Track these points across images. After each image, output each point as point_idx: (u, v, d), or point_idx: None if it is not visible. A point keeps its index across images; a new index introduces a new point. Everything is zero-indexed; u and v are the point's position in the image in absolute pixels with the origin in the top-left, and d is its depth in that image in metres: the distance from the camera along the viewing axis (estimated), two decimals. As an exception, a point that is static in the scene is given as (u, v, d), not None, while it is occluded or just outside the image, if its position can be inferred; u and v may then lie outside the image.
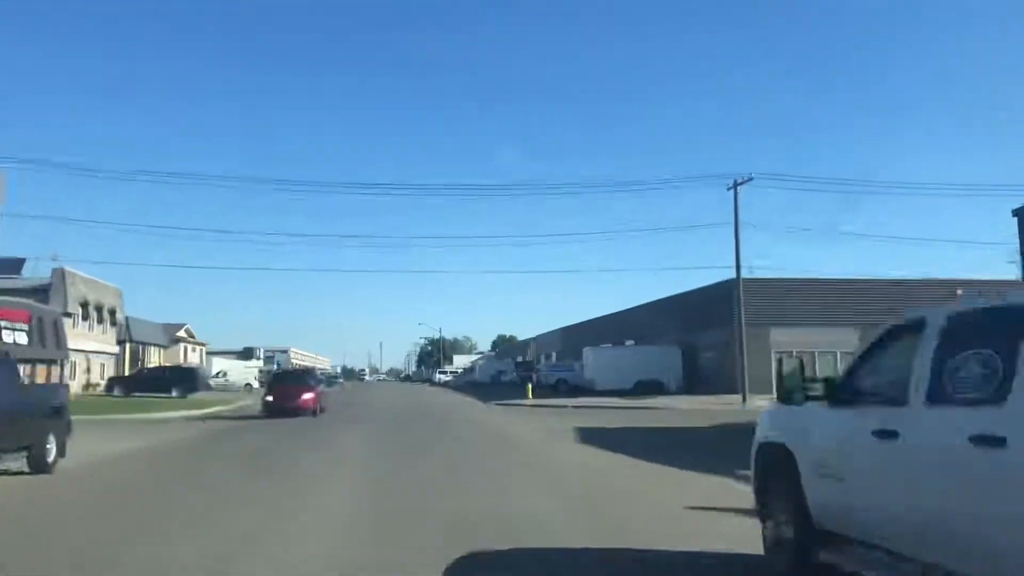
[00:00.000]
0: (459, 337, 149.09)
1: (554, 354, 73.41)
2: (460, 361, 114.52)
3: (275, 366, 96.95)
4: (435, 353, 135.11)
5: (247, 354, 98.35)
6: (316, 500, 9.56)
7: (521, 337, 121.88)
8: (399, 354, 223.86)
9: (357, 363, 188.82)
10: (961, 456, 3.82)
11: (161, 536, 7.30)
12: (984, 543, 3.71)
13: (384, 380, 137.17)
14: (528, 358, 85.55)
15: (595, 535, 7.26)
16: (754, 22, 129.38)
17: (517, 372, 67.37)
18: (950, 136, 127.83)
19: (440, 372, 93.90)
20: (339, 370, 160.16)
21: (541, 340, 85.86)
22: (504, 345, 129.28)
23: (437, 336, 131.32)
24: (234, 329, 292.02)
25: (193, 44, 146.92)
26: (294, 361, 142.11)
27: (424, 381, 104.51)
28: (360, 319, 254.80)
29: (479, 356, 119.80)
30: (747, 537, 6.32)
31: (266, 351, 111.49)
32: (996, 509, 3.59)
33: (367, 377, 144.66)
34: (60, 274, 43.09)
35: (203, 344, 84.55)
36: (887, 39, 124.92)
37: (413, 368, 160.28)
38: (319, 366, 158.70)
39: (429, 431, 20.88)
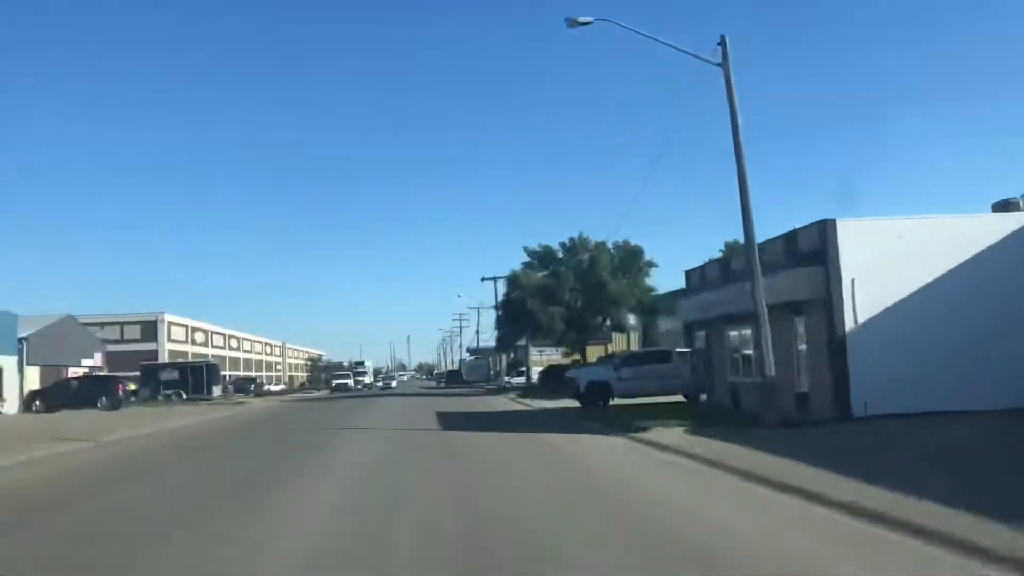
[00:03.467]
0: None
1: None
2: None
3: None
4: (508, 317, 45.86)
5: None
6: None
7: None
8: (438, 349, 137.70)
9: (377, 359, 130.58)
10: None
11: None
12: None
13: (380, 387, 72.78)
14: None
15: None
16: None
17: None
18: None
19: None
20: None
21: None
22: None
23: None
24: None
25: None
26: (181, 350, 64.47)
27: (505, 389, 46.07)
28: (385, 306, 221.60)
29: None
30: None
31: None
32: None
33: (355, 381, 74.57)
34: None
35: None
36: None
37: (464, 355, 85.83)
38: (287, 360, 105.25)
39: None
